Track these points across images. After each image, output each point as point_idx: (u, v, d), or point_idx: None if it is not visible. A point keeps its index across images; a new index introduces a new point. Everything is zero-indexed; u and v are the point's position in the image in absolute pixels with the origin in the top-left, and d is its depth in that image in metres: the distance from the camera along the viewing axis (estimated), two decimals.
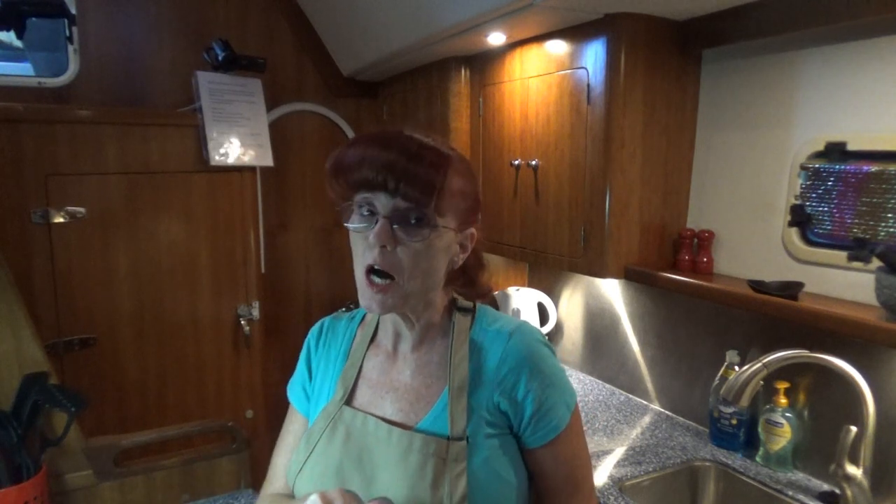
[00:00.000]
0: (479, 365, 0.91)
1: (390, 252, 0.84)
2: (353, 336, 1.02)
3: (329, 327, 1.06)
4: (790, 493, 1.41)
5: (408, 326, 0.95)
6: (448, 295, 0.98)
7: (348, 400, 0.96)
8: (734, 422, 1.60)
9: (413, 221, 0.84)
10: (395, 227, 0.84)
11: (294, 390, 1.06)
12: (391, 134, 0.88)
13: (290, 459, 0.98)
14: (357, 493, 0.87)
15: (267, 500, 1.00)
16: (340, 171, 0.87)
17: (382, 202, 0.84)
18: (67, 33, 2.02)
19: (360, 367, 0.98)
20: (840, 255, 1.39)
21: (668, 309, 1.88)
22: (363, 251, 0.86)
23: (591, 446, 1.67)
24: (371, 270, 0.86)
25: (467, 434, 0.87)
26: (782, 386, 1.51)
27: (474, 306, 0.98)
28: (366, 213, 0.86)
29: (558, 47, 1.76)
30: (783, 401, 1.51)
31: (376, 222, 0.84)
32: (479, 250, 1.00)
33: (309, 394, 1.03)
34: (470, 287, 1.01)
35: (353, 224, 0.88)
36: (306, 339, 1.07)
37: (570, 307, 2.33)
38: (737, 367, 1.58)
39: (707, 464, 1.59)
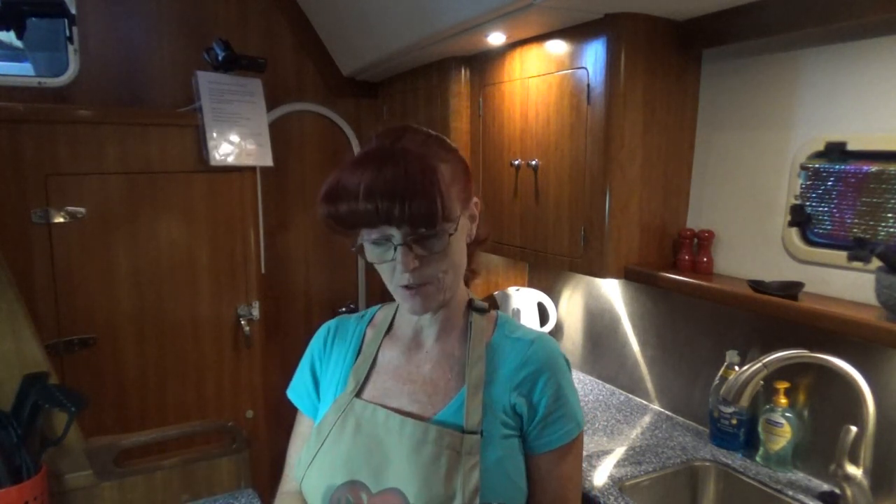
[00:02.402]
0: (496, 366, 0.92)
1: (420, 268, 0.86)
2: (363, 334, 1.03)
3: (338, 327, 1.06)
4: (790, 493, 1.41)
5: (432, 319, 0.96)
6: (466, 290, 1.00)
7: (359, 392, 0.96)
8: (734, 422, 1.60)
9: (430, 235, 0.85)
10: (414, 248, 0.85)
11: (298, 394, 1.06)
12: (373, 157, 0.84)
13: (300, 454, 0.98)
14: (367, 484, 0.87)
15: (286, 500, 1.01)
16: (332, 205, 0.85)
17: (390, 232, 0.85)
18: (67, 33, 2.03)
19: (375, 359, 0.99)
20: (840, 255, 1.39)
21: (668, 309, 1.88)
22: (391, 274, 0.88)
23: (592, 446, 1.67)
24: (405, 287, 0.88)
25: (482, 428, 0.88)
26: (782, 386, 1.51)
27: (489, 309, 0.99)
28: (378, 240, 0.86)
29: (558, 47, 1.76)
30: (783, 401, 1.51)
31: (395, 249, 0.85)
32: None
33: (314, 398, 1.04)
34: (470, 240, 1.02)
35: (371, 257, 0.88)
36: (310, 345, 1.07)
37: (570, 307, 2.33)
38: (737, 367, 1.58)
39: (707, 464, 1.59)
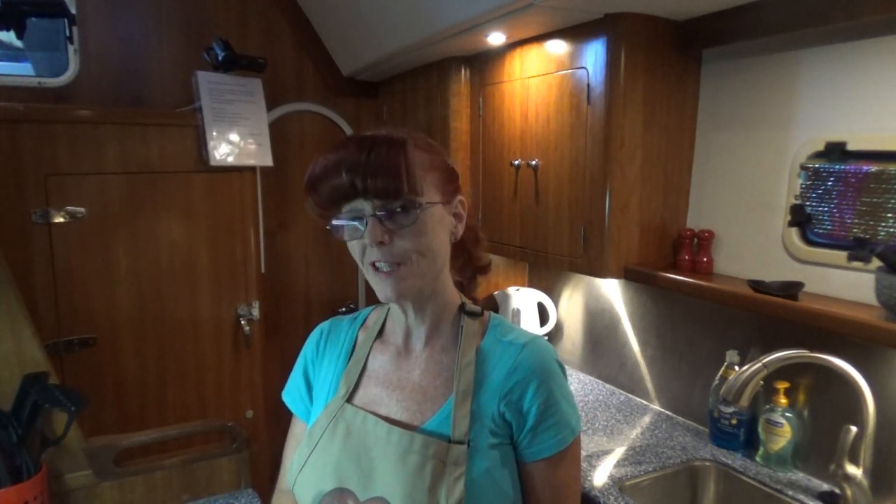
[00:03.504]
0: (485, 372, 0.90)
1: (389, 245, 0.85)
2: (355, 337, 1.03)
3: (330, 329, 1.06)
4: (790, 493, 1.41)
5: (418, 318, 0.95)
6: (457, 293, 0.99)
7: (350, 397, 0.96)
8: (734, 422, 1.60)
9: (398, 210, 0.85)
10: (384, 222, 0.85)
11: (291, 397, 1.06)
12: (345, 140, 0.89)
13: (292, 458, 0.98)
14: (354, 492, 0.87)
15: (283, 498, 1.01)
16: (313, 189, 0.88)
17: (363, 206, 0.85)
18: (67, 33, 2.03)
19: (365, 364, 0.98)
20: (840, 255, 1.39)
21: (668, 309, 1.88)
22: (362, 253, 0.87)
23: (592, 446, 1.67)
24: (376, 266, 0.87)
25: (469, 438, 0.86)
26: (782, 386, 1.51)
27: (482, 312, 0.98)
28: (354, 220, 0.87)
29: (558, 47, 1.76)
30: (783, 401, 1.51)
31: (365, 224, 0.85)
32: (474, 226, 1.01)
33: (307, 401, 1.04)
34: (468, 263, 1.02)
35: (344, 234, 0.88)
36: (304, 348, 1.07)
37: (570, 307, 2.33)
38: (737, 367, 1.58)
39: (707, 464, 1.59)
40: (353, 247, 0.88)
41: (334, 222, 0.88)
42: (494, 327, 0.96)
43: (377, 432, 0.90)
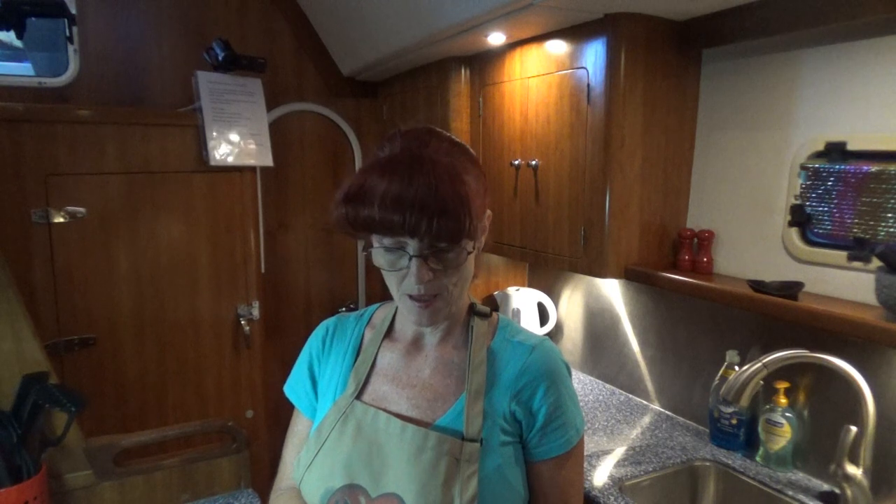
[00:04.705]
0: (496, 372, 0.92)
1: (432, 280, 0.85)
2: (362, 335, 1.02)
3: (336, 326, 1.05)
4: (790, 493, 1.41)
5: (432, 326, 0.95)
6: (468, 295, 0.99)
7: (359, 394, 0.96)
8: (734, 422, 1.60)
9: (447, 249, 0.83)
10: (429, 261, 0.84)
11: (295, 391, 1.06)
12: (399, 165, 0.81)
13: (298, 455, 0.98)
14: (365, 488, 0.87)
15: (283, 497, 1.00)
16: (353, 208, 0.82)
17: (409, 242, 0.83)
18: (67, 33, 2.03)
19: (374, 361, 0.98)
20: (840, 255, 1.39)
21: (668, 309, 1.88)
22: (399, 281, 0.87)
23: (592, 446, 1.67)
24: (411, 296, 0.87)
25: (482, 436, 0.87)
26: (782, 386, 1.51)
27: (491, 313, 0.99)
28: (391, 247, 0.84)
29: (558, 47, 1.76)
30: (783, 401, 1.51)
31: (409, 258, 0.83)
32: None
33: (311, 397, 1.03)
34: None
35: (382, 263, 0.86)
36: (308, 343, 1.07)
37: (570, 307, 2.33)
38: (737, 367, 1.58)
39: (707, 464, 1.59)
40: (390, 275, 0.87)
41: (374, 250, 0.86)
42: (503, 328, 0.97)
43: (389, 429, 0.90)
